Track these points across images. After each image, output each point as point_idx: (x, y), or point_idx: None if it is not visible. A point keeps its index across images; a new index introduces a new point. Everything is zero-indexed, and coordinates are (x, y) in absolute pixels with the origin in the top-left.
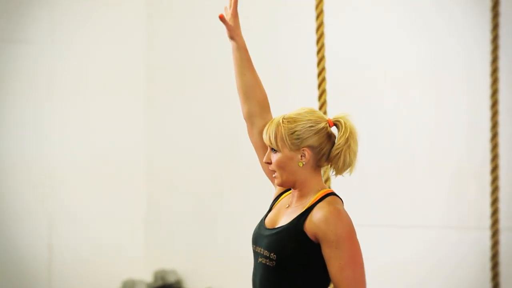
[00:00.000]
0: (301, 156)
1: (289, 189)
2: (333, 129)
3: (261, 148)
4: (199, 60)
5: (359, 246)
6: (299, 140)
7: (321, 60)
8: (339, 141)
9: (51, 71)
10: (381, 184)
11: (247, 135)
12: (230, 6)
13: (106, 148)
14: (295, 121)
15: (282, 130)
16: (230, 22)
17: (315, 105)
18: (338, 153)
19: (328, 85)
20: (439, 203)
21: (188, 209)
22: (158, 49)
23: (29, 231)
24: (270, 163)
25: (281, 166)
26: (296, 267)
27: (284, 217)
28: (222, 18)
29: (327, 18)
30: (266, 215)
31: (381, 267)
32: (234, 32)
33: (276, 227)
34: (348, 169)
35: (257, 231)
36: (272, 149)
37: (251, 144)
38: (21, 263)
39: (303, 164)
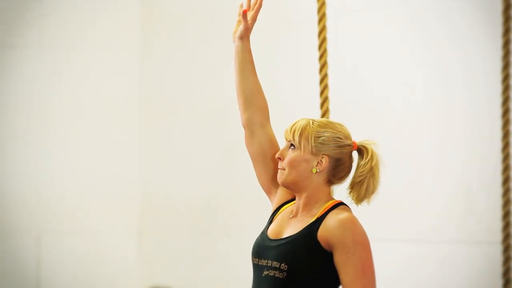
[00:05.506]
0: (317, 163)
1: (289, 201)
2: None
3: (260, 156)
4: (194, 75)
5: (372, 257)
6: (322, 146)
7: (323, 66)
8: (363, 168)
9: (42, 79)
10: (388, 198)
11: (244, 145)
12: (252, 9)
13: (97, 161)
14: (325, 127)
15: (310, 130)
16: (249, 24)
17: (317, 113)
18: (361, 180)
19: (331, 93)
20: (448, 217)
21: (183, 224)
22: (152, 57)
23: (17, 245)
24: (281, 159)
25: (294, 165)
26: (307, 277)
27: (290, 227)
28: (245, 14)
29: (329, 22)
30: (267, 227)
31: (390, 282)
32: (245, 33)
33: (284, 237)
34: (370, 197)
35: (260, 243)
36: (291, 145)
37: (247, 156)
38: (9, 278)
39: (316, 171)
